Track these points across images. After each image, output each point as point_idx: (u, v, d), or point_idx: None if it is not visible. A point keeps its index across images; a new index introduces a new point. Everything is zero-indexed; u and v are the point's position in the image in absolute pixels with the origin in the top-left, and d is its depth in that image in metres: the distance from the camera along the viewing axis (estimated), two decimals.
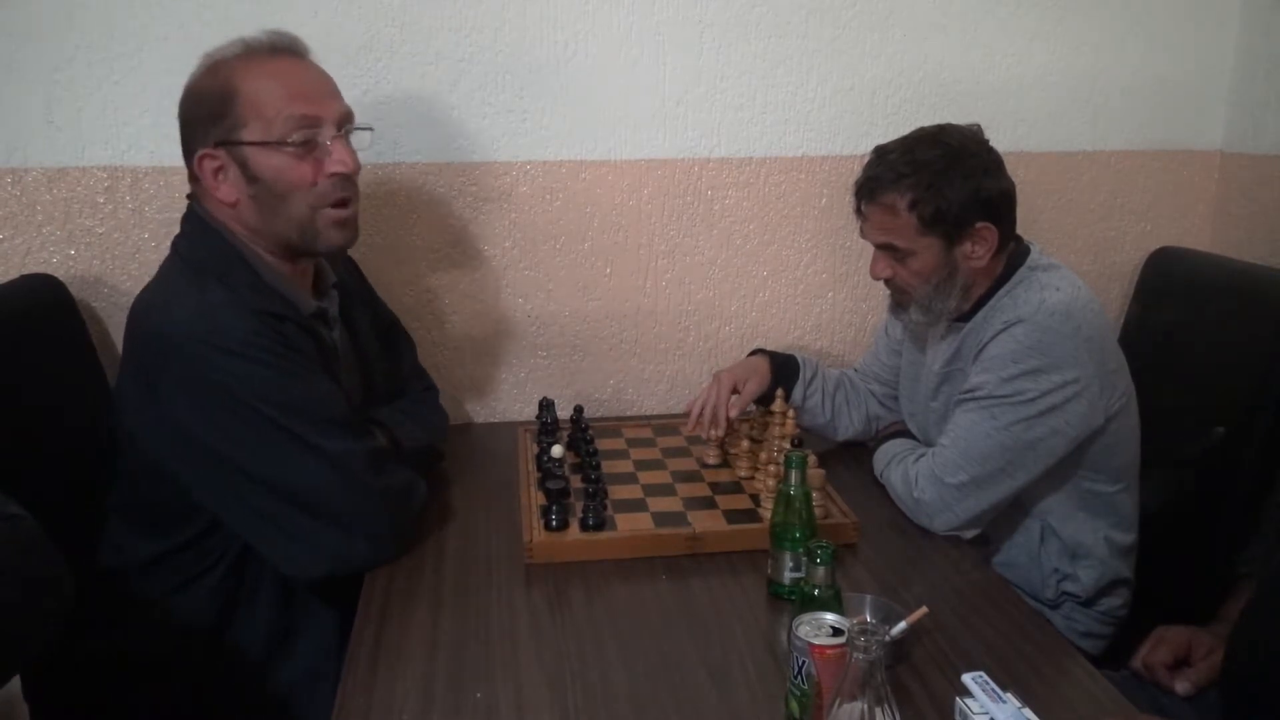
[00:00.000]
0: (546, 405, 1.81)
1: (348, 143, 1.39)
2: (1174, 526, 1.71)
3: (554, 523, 1.45)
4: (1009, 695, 0.98)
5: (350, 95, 1.80)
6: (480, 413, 2.03)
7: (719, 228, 1.99)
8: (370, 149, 1.84)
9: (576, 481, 1.56)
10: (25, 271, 1.68)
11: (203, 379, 1.26)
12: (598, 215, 1.95)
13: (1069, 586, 1.59)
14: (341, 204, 1.38)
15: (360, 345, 1.59)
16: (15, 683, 1.43)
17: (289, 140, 1.32)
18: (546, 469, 1.56)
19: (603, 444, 1.73)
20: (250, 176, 1.34)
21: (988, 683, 0.99)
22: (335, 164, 1.35)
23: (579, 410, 1.83)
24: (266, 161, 1.33)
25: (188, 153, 1.37)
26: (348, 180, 1.38)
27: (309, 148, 1.34)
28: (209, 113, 1.33)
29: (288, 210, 1.35)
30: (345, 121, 1.40)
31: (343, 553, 1.33)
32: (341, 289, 1.56)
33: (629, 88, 1.89)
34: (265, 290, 1.36)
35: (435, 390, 1.77)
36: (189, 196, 1.42)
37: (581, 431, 1.74)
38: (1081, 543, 1.59)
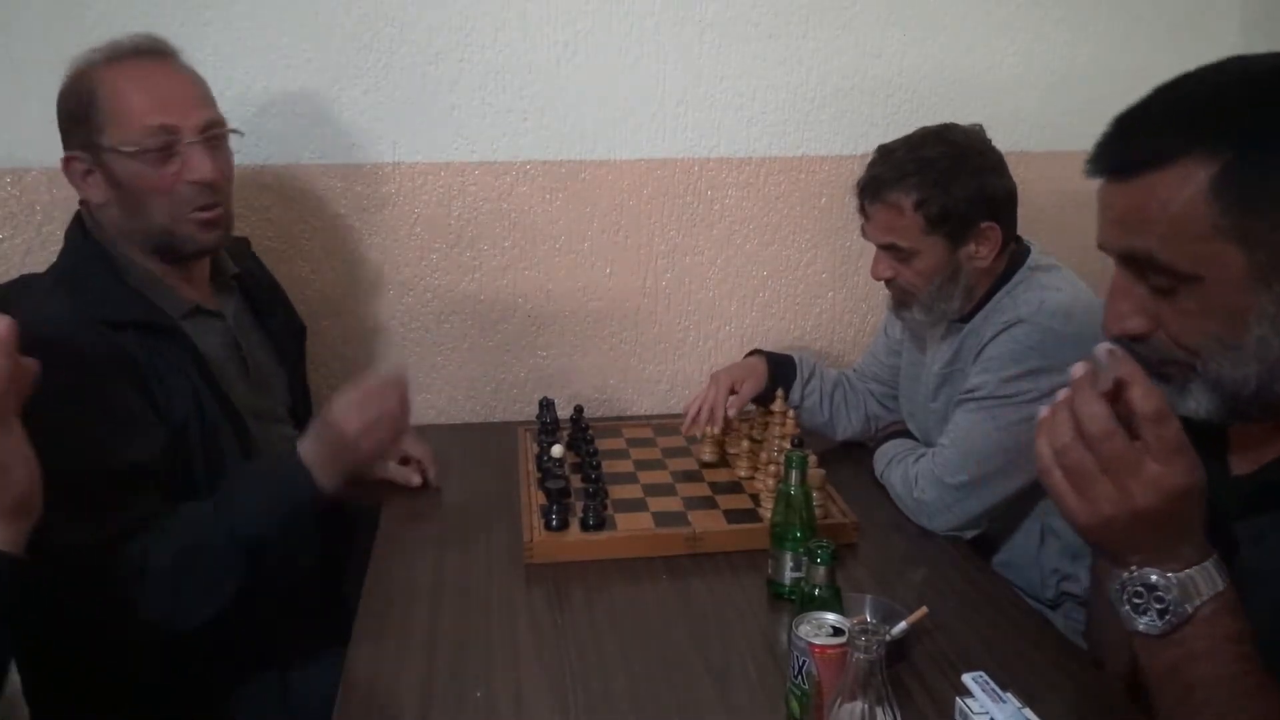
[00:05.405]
0: (546, 405, 1.81)
1: (208, 149, 1.36)
2: None
3: (554, 523, 1.45)
4: (1009, 695, 0.97)
5: (350, 95, 1.82)
6: (480, 413, 2.03)
7: (719, 228, 1.99)
8: (369, 149, 1.87)
9: (576, 481, 1.56)
10: (25, 271, 1.67)
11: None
12: (598, 215, 1.95)
13: (1069, 586, 1.59)
14: (206, 208, 1.37)
15: (275, 341, 1.57)
16: (17, 683, 1.43)
17: (143, 147, 1.31)
18: (546, 469, 1.56)
19: (603, 444, 1.73)
20: (113, 181, 1.33)
21: (988, 683, 0.99)
22: (191, 171, 1.34)
23: (579, 410, 1.82)
24: (124, 167, 1.32)
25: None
26: (208, 187, 1.36)
27: (165, 154, 1.32)
28: (71, 116, 1.33)
29: (149, 215, 1.34)
30: (210, 127, 1.37)
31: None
32: (247, 282, 1.54)
33: (629, 88, 1.89)
34: (121, 299, 1.33)
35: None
36: (81, 202, 1.41)
37: (581, 431, 1.74)
38: (1081, 543, 1.58)
